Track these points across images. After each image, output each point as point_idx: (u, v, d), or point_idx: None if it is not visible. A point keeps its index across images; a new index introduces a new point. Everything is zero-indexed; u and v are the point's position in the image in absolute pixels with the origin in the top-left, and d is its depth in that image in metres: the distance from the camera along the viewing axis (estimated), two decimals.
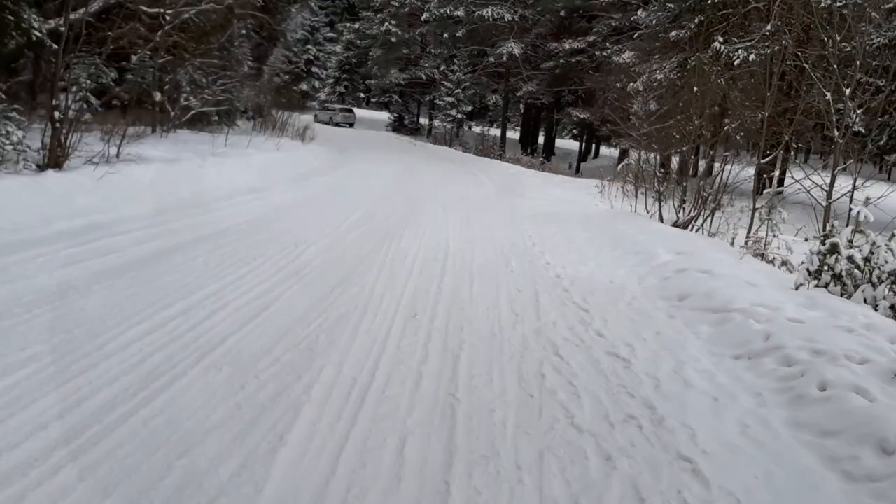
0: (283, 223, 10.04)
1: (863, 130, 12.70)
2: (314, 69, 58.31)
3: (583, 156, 42.25)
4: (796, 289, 7.77)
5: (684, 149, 14.84)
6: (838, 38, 11.14)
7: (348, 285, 6.86)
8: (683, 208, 14.17)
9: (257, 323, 5.34)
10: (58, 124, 10.41)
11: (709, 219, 13.67)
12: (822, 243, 7.72)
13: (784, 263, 10.87)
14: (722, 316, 6.64)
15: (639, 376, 5.11)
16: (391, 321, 5.85)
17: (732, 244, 11.72)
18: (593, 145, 47.57)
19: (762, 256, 10.94)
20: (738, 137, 14.27)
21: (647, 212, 15.18)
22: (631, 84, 28.18)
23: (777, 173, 28.39)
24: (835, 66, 10.98)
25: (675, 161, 19.44)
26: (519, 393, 4.58)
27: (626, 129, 23.34)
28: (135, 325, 4.98)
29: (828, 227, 10.77)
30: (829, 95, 11.03)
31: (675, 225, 13.81)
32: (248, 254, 7.64)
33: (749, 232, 12.32)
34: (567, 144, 52.70)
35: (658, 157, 20.09)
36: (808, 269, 7.86)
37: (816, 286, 7.73)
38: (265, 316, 5.52)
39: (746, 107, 14.55)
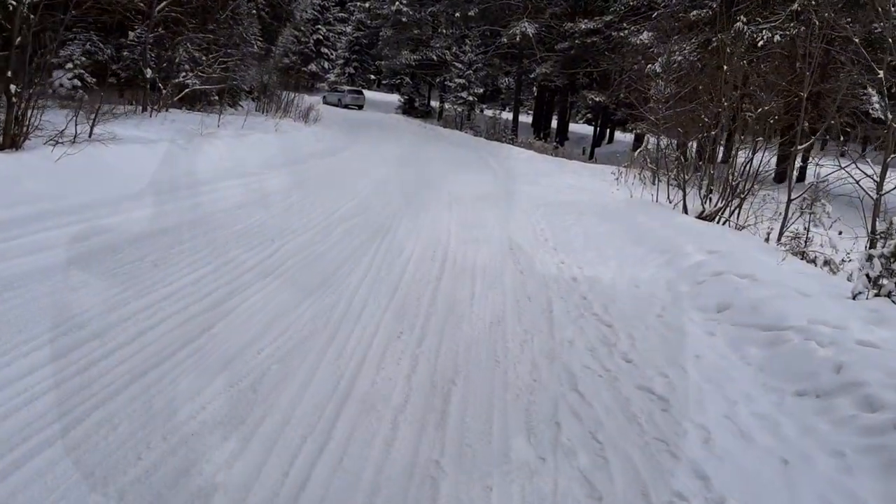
0: (265, 213, 8.89)
1: None
2: (324, 49, 56.99)
3: (597, 141, 40.85)
4: (853, 298, 6.59)
5: (712, 133, 13.56)
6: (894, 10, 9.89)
7: (324, 293, 5.71)
8: (710, 198, 12.96)
9: (190, 352, 4.16)
10: (14, 99, 9.27)
11: (736, 210, 12.48)
12: (876, 244, 6.55)
13: (826, 263, 9.69)
14: (774, 335, 5.46)
15: (681, 424, 3.96)
16: (368, 344, 4.71)
17: (767, 240, 10.52)
18: (608, 130, 46.16)
19: (802, 255, 9.75)
20: (770, 120, 12.99)
21: (670, 202, 13.98)
22: (649, 66, 26.92)
23: (798, 162, 27.15)
24: (890, 41, 9.71)
25: (692, 147, 18.39)
26: (526, 455, 3.44)
27: (645, 113, 22.18)
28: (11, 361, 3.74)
29: (879, 224, 9.65)
30: (881, 74, 9.80)
31: (701, 217, 12.60)
32: (211, 251, 6.51)
33: (783, 226, 11.12)
34: (580, 129, 51.31)
35: (678, 143, 18.90)
36: (867, 275, 6.69)
37: (877, 295, 6.58)
38: (204, 340, 4.35)
39: (776, 89, 13.27)
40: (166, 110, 17.37)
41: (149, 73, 17.52)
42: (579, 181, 19.80)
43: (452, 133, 35.03)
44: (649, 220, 11.34)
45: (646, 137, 27.41)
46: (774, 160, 13.84)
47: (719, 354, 5.34)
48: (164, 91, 17.69)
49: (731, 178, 12.67)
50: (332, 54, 57.81)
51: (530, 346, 5.13)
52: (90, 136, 10.87)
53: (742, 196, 12.45)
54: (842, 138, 14.46)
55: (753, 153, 12.69)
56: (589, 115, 52.92)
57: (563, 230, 10.72)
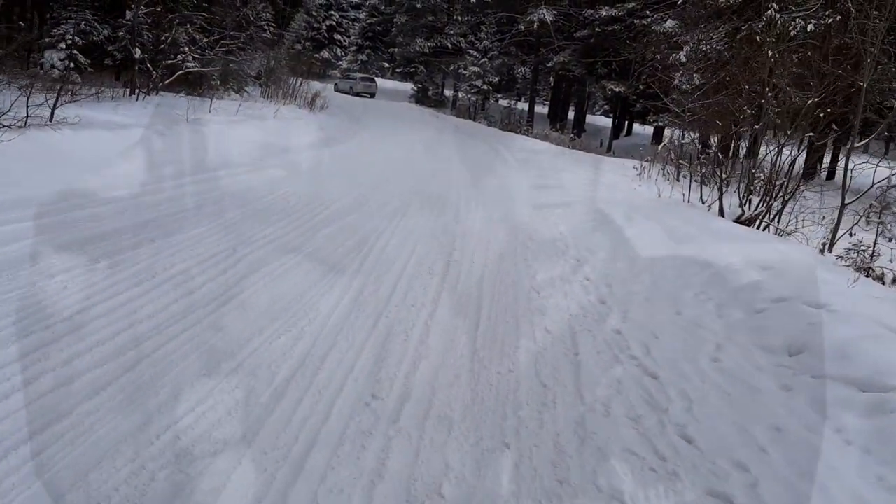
0: (232, 214, 7.53)
1: None
2: (336, 36, 55.57)
3: (615, 133, 39.29)
4: None
5: (755, 127, 12.08)
6: None
7: (269, 338, 4.32)
8: (750, 199, 11.51)
9: None
10: None
11: (778, 214, 11.06)
12: None
13: None
14: (877, 400, 4.07)
15: None
16: (307, 448, 3.27)
17: (823, 252, 9.08)
18: (626, 122, 44.53)
19: (867, 271, 8.32)
20: (820, 114, 11.49)
21: (703, 202, 12.53)
22: (673, 55, 25.45)
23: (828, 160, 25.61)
24: None
25: (716, 141, 17.11)
26: None
27: (671, 105, 20.79)
28: None
29: None
30: None
31: (739, 221, 11.16)
32: (143, 267, 5.15)
33: (835, 234, 9.68)
34: (597, 120, 49.60)
35: (705, 137, 17.49)
36: None
37: None
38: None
39: (828, 78, 11.77)
40: (156, 93, 16.08)
41: (137, 53, 16.21)
42: (600, 176, 18.34)
43: (466, 123, 33.57)
44: (683, 223, 9.89)
45: (669, 131, 26.00)
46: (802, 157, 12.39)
47: (806, 425, 3.95)
48: (154, 73, 16.39)
49: (773, 177, 11.23)
50: (344, 41, 56.38)
51: (551, 413, 3.78)
52: (51, 120, 9.61)
53: (786, 198, 11.02)
54: (887, 134, 12.98)
55: (799, 149, 11.27)
56: (606, 107, 51.37)
57: (585, 235, 9.35)
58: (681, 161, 17.03)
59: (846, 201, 9.77)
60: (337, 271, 5.95)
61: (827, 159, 24.99)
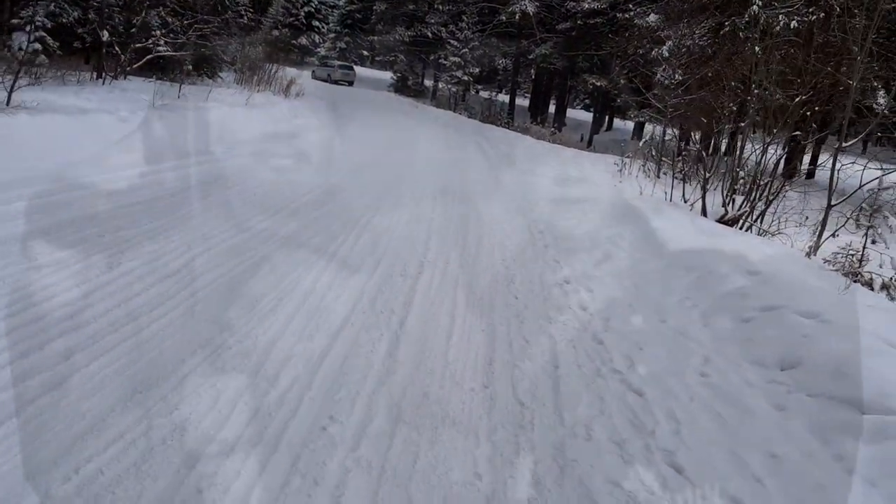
0: (174, 215, 7.05)
1: None
2: (315, 23, 54.79)
3: (596, 127, 39.04)
4: None
5: (740, 125, 11.78)
6: None
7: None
8: (733, 199, 11.23)
9: None
10: None
11: (761, 215, 10.79)
12: None
13: (886, 288, 8.00)
14: (880, 422, 3.76)
15: None
16: None
17: (810, 256, 8.81)
18: (606, 117, 44.30)
19: (856, 276, 8.05)
20: (807, 113, 11.21)
21: (685, 201, 12.24)
22: (656, 50, 25.22)
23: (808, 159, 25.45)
24: None
25: (695, 137, 16.88)
26: None
27: (652, 100, 20.54)
28: None
29: None
30: None
31: (722, 221, 10.88)
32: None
33: (820, 237, 9.43)
34: (578, 115, 49.34)
35: (695, 134, 17.23)
36: None
37: None
38: None
39: (818, 75, 11.50)
40: (124, 78, 15.53)
41: (105, 35, 15.63)
42: (580, 171, 18.02)
43: (445, 114, 33.13)
44: (667, 224, 9.58)
45: (651, 127, 25.74)
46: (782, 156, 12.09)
47: (804, 451, 3.63)
48: (122, 57, 15.83)
49: (758, 176, 10.95)
50: (323, 28, 55.59)
51: (529, 437, 3.42)
52: (8, 104, 9.12)
53: (769, 198, 10.76)
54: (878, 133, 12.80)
55: (784, 148, 11.03)
56: (587, 101, 51.08)
57: (567, 235, 9.02)
58: (662, 158, 16.77)
59: (832, 203, 9.54)
60: (279, 291, 5.56)
61: (806, 159, 24.85)
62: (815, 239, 9.32)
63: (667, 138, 18.45)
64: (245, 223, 6.80)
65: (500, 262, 7.20)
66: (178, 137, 11.20)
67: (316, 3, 54.44)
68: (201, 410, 3.18)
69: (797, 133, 10.72)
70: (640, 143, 19.73)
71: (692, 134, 21.69)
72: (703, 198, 10.82)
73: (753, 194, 10.86)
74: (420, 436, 3.28)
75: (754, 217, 10.83)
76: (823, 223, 9.52)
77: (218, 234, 6.22)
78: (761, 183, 10.84)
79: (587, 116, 45.91)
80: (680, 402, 4.06)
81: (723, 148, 17.91)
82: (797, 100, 10.49)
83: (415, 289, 5.68)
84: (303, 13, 53.62)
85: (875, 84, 18.99)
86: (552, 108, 41.79)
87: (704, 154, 11.78)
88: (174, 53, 18.56)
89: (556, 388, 4.08)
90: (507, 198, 11.72)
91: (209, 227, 6.35)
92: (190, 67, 20.91)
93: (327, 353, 4.11)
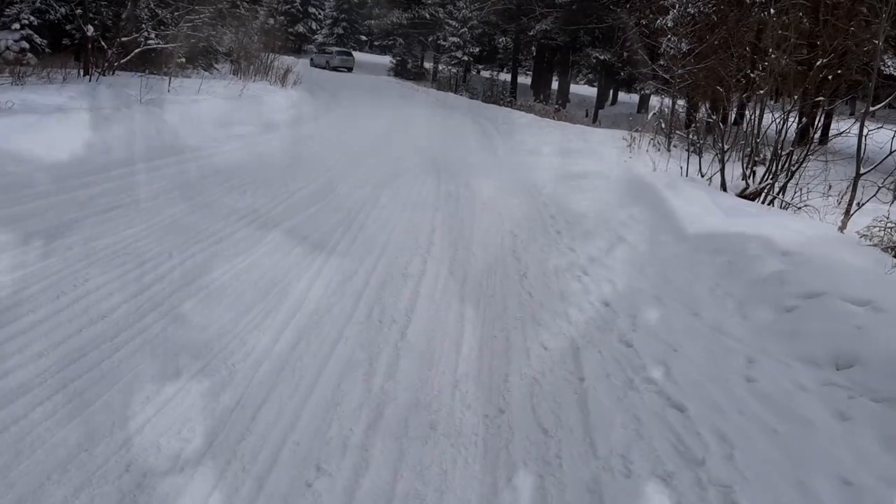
0: (172, 211, 6.53)
1: None
2: (311, 9, 54.04)
3: (600, 103, 38.28)
4: None
5: (760, 92, 11.10)
6: None
7: None
8: (753, 171, 10.60)
9: None
10: None
11: (782, 187, 10.18)
12: None
13: None
14: None
15: None
16: None
17: (842, 230, 8.20)
18: (610, 91, 43.47)
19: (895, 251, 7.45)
20: (829, 77, 10.54)
21: (702, 175, 11.61)
22: (660, 20, 24.47)
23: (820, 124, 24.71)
24: None
25: (704, 108, 16.29)
26: None
27: (658, 71, 19.88)
28: None
29: None
30: None
31: (743, 195, 10.26)
32: None
33: (849, 208, 8.79)
34: (581, 90, 48.49)
35: (704, 104, 16.57)
36: None
37: None
38: None
39: (840, 35, 10.83)
40: (112, 73, 14.98)
41: (90, 30, 15.06)
42: (588, 146, 17.37)
43: (447, 96, 32.44)
44: (686, 203, 8.97)
45: (657, 99, 25.02)
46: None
47: (881, 475, 3.07)
48: (108, 52, 15.27)
49: (779, 146, 10.31)
50: (319, 14, 54.84)
51: (555, 477, 2.86)
52: None
53: (792, 169, 10.13)
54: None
55: (815, 115, 10.41)
56: (590, 76, 50.19)
57: (579, 219, 8.44)
58: (676, 130, 16.14)
59: (861, 172, 8.90)
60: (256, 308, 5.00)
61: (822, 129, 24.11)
62: (845, 212, 8.70)
63: (679, 109, 17.78)
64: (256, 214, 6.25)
65: (511, 254, 6.64)
66: (171, 132, 10.67)
67: None
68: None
69: (820, 99, 10.04)
70: (649, 116, 19.02)
71: (702, 104, 21.00)
72: (722, 171, 10.18)
73: (775, 165, 10.23)
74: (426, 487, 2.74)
75: (776, 190, 10.22)
76: (852, 194, 8.89)
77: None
78: (783, 153, 10.21)
79: (590, 92, 45.12)
80: (728, 417, 3.50)
81: (731, 117, 17.25)
82: (818, 63, 9.84)
83: (417, 292, 5.13)
84: (299, 0, 52.89)
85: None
86: (555, 85, 40.97)
87: (721, 125, 11.13)
88: (164, 46, 18.03)
89: (583, 407, 3.53)
90: (514, 180, 11.14)
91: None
92: (183, 60, 20.38)
93: (330, 356, 3.58)
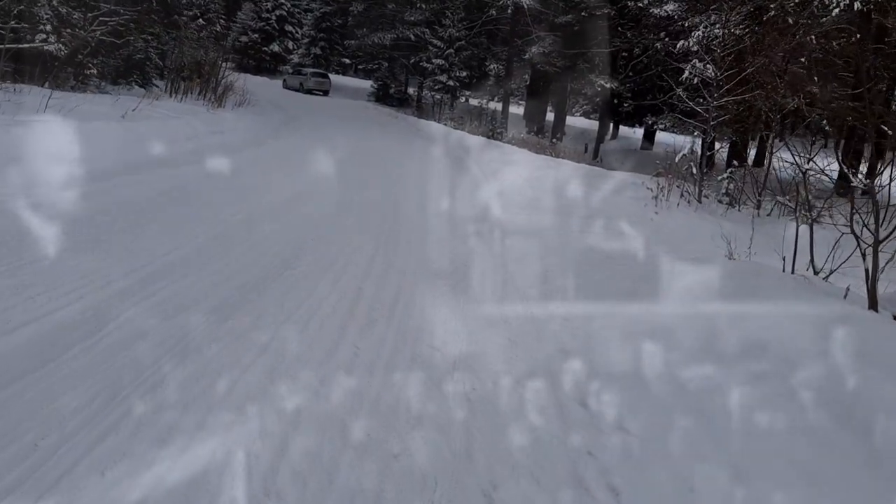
0: None
1: None
2: (288, 28, 50.07)
3: (601, 136, 34.38)
4: None
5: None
6: None
7: None
8: None
9: None
10: None
11: None
12: None
13: None
14: None
15: None
16: None
17: None
18: (611, 124, 39.53)
19: None
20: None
21: (815, 271, 7.01)
22: (682, 43, 20.66)
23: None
24: None
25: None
26: None
27: (689, 103, 16.04)
28: None
29: None
30: None
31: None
32: None
33: None
34: (576, 122, 44.51)
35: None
36: None
37: None
38: None
39: None
40: None
41: None
42: (600, 196, 13.23)
43: (428, 125, 28.31)
44: (777, 332, 4.65)
45: (668, 134, 21.28)
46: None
47: None
48: None
49: None
50: (297, 32, 50.82)
51: None
52: None
53: None
54: None
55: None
56: (587, 107, 46.25)
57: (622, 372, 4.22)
58: (730, 177, 12.13)
59: None
60: None
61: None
62: None
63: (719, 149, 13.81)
64: None
65: None
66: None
67: (289, 6, 49.76)
68: None
69: None
70: (677, 159, 15.00)
71: (746, 145, 16.99)
72: (874, 277, 5.67)
73: None
74: None
75: None
76: None
77: None
78: None
79: (587, 124, 41.44)
80: None
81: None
82: None
83: None
84: (274, 17, 48.78)
85: None
86: (550, 116, 36.99)
87: (852, 176, 6.76)
88: (56, 48, 14.25)
89: None
90: (506, 292, 6.95)
91: None
92: (93, 72, 16.52)
93: None
